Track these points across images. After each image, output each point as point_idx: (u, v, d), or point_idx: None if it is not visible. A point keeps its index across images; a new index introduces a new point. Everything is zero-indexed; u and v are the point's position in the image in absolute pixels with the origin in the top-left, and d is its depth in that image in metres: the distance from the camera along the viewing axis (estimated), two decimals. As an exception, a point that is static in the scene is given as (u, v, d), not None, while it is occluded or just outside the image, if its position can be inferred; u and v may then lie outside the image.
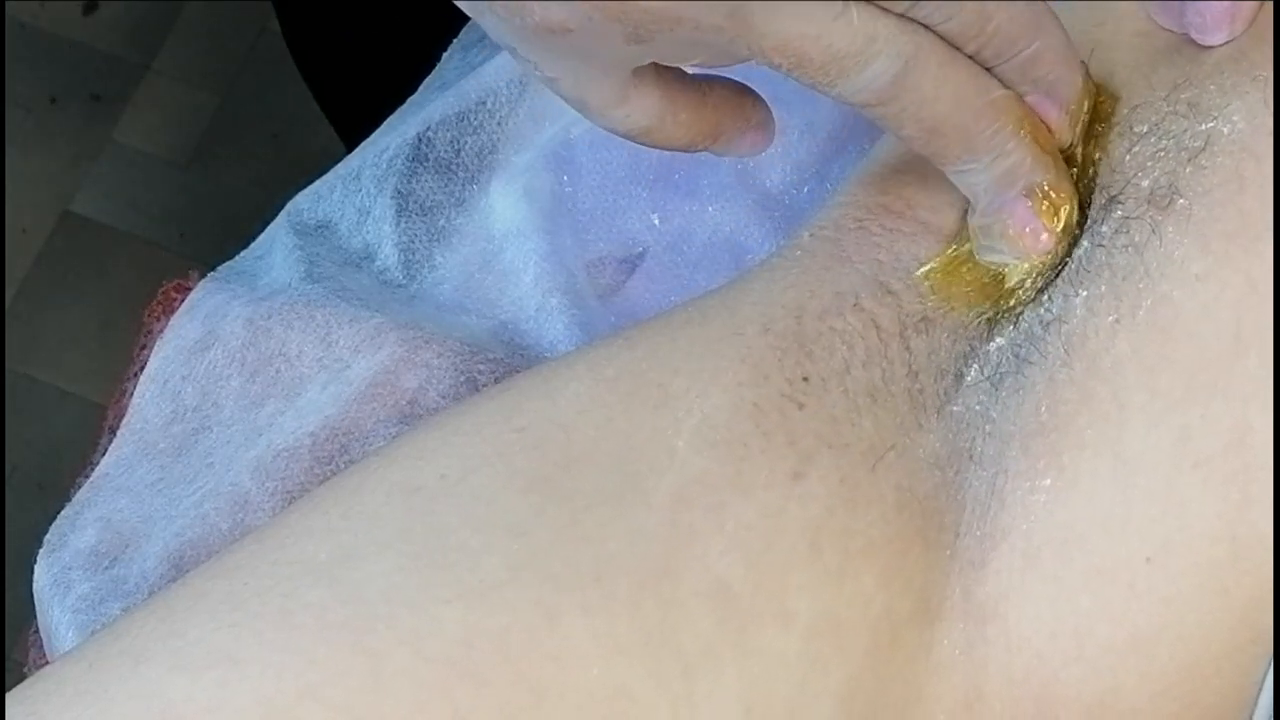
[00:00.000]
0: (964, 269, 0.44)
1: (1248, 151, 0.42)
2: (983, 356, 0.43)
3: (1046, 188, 0.43)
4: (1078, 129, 0.43)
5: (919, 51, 0.40)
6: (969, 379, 0.43)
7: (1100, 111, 0.44)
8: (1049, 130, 0.43)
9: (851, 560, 0.40)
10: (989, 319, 0.43)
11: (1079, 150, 0.44)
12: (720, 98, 0.44)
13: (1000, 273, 0.44)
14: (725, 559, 0.39)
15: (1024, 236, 0.43)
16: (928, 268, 0.44)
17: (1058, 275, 0.43)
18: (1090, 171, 0.44)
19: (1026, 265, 0.43)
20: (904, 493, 0.41)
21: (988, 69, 0.41)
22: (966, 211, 0.45)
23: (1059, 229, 0.43)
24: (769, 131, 0.46)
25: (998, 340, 0.43)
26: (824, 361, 0.42)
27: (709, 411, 0.41)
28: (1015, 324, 0.43)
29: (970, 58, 0.41)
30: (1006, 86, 0.42)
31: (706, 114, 0.44)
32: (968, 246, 0.44)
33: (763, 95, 0.55)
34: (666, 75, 0.43)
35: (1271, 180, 0.42)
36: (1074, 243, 0.43)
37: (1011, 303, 0.43)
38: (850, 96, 0.40)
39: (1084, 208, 0.43)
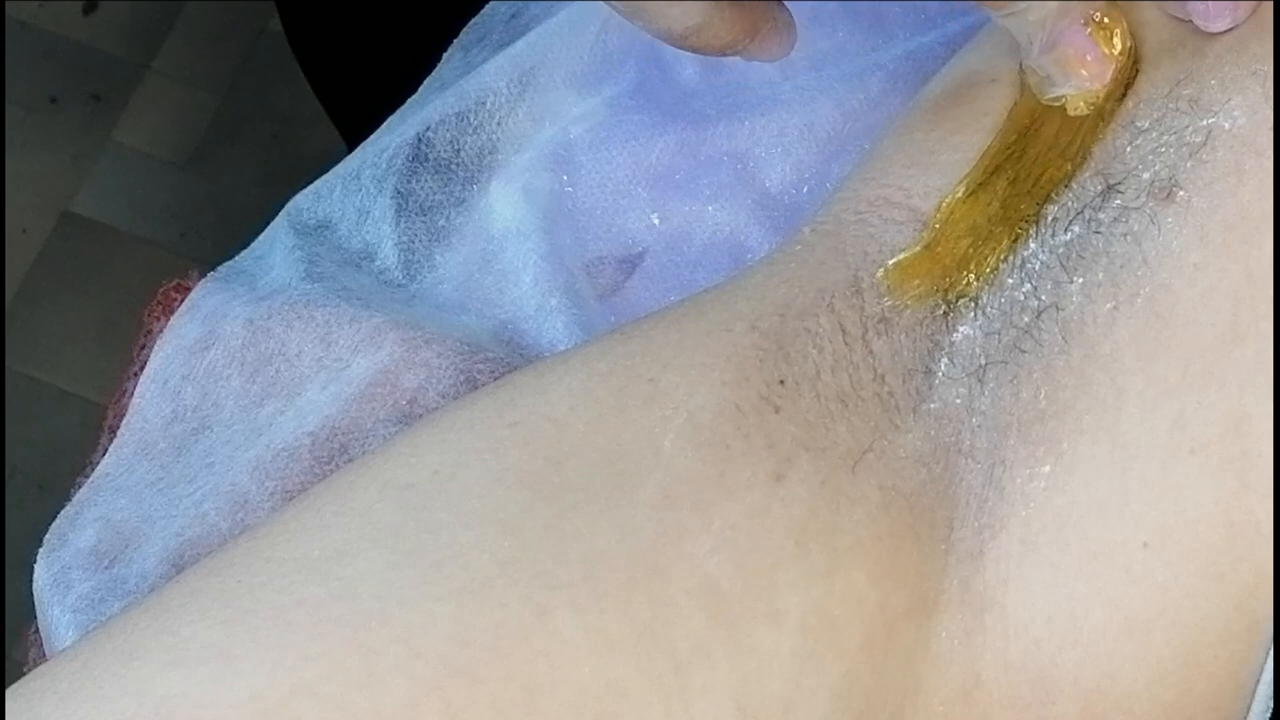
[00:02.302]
0: (916, 263, 0.44)
1: (1248, 146, 0.42)
2: (950, 348, 0.43)
3: (1099, 15, 0.44)
4: None
5: None
6: (940, 374, 0.43)
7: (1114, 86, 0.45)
8: None
9: (840, 558, 0.40)
10: (944, 311, 0.43)
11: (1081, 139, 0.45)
12: None
13: (944, 262, 0.44)
14: (714, 558, 0.39)
15: (1085, 64, 0.44)
16: (885, 267, 0.44)
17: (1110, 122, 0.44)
18: (1085, 150, 0.44)
19: (1086, 96, 0.44)
20: (888, 491, 0.41)
21: None
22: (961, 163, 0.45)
23: (1116, 53, 0.44)
24: (792, 34, 0.49)
25: (961, 330, 0.43)
26: (798, 365, 0.42)
27: (694, 410, 0.41)
28: (980, 311, 0.43)
29: None
30: None
31: (746, 12, 0.47)
32: (924, 239, 0.44)
33: (762, 97, 0.56)
34: None
35: (1271, 173, 0.42)
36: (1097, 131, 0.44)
37: (964, 285, 0.44)
38: None
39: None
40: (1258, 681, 0.42)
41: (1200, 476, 0.41)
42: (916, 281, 0.44)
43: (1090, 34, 0.44)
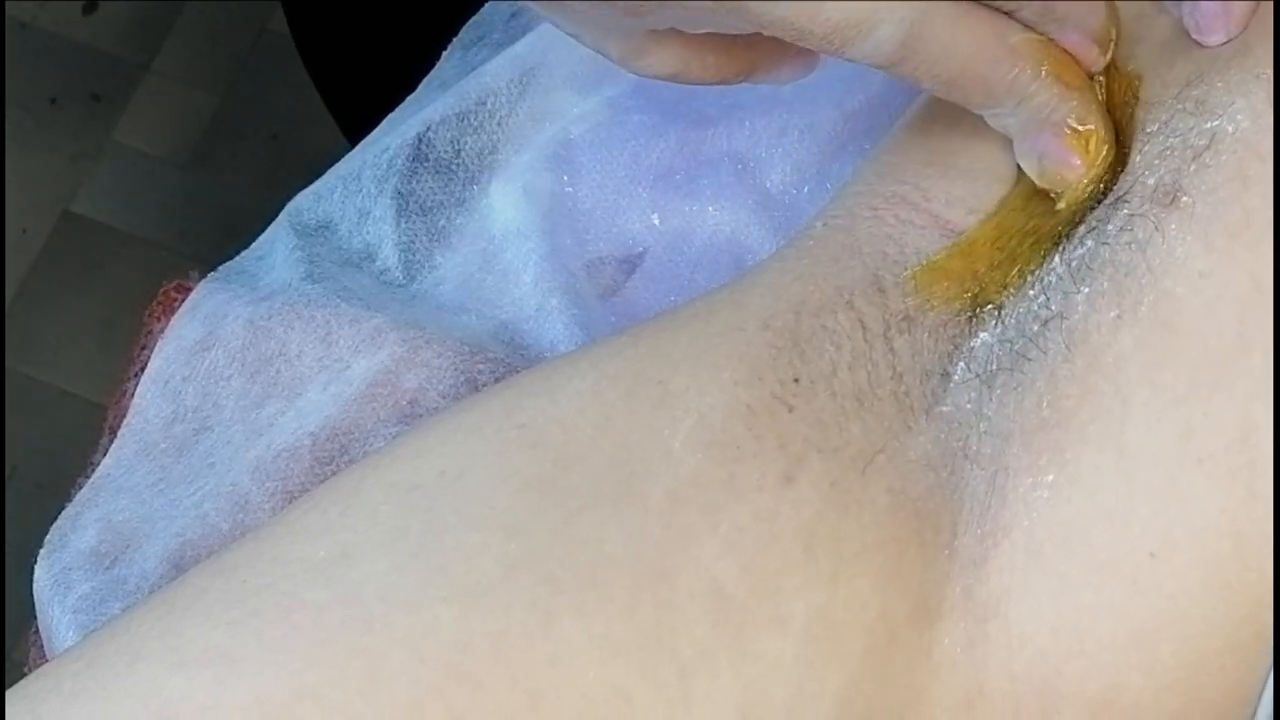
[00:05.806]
0: (949, 265, 0.44)
1: (1252, 150, 0.42)
2: (968, 353, 0.43)
3: (1075, 122, 0.44)
4: (1108, 53, 0.45)
5: (924, 14, 0.41)
6: (956, 377, 0.43)
7: (1115, 97, 0.45)
8: (1077, 64, 0.44)
9: (846, 564, 0.40)
10: (969, 316, 0.43)
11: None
12: (754, 37, 0.45)
13: (975, 267, 0.44)
14: (720, 562, 0.39)
15: (1059, 170, 0.44)
16: (916, 266, 0.44)
17: (1099, 207, 0.44)
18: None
19: (1070, 194, 0.44)
20: (897, 495, 0.41)
21: (1007, 13, 0.42)
22: (971, 212, 0.45)
23: (1091, 160, 0.44)
24: (811, 58, 0.47)
25: (982, 336, 0.43)
26: (814, 362, 0.42)
27: (705, 411, 0.41)
28: (1000, 319, 0.43)
29: (988, 5, 0.42)
30: (1029, 28, 0.43)
31: (737, 54, 0.46)
32: (959, 243, 0.44)
33: (762, 97, 0.55)
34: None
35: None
36: (1101, 196, 0.44)
37: (991, 293, 0.44)
38: (860, 60, 0.41)
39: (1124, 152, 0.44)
40: (1262, 687, 0.42)
41: (1208, 486, 0.41)
42: (946, 284, 0.44)
43: (1063, 142, 0.44)
